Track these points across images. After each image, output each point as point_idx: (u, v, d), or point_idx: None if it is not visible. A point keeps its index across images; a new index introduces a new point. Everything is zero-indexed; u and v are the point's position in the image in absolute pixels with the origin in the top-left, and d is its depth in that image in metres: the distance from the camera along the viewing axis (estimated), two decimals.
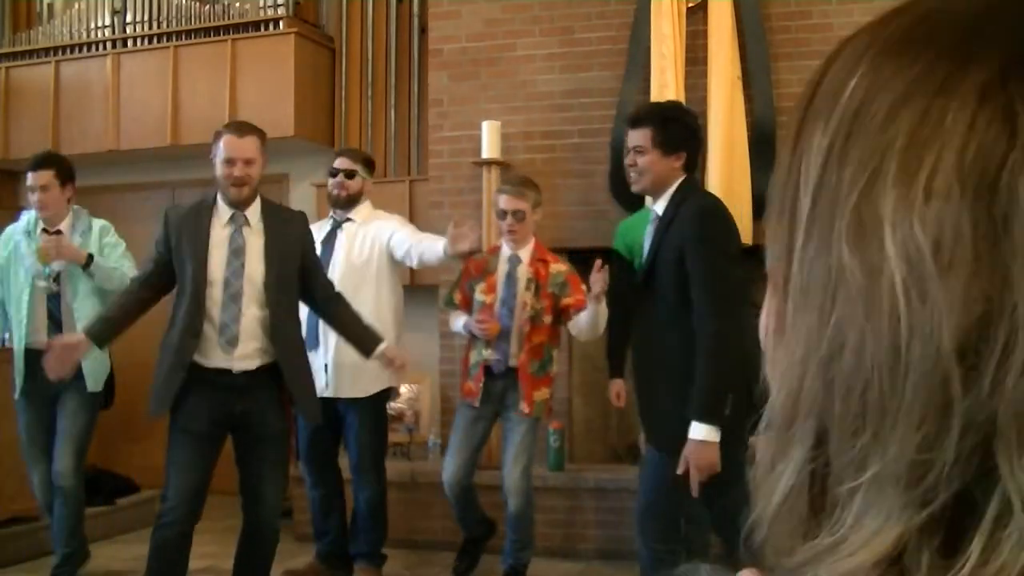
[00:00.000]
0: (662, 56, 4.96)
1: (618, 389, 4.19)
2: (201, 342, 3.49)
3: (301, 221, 3.79)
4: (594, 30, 5.27)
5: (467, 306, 4.29)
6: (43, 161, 4.36)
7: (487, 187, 5.21)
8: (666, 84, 4.92)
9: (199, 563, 4.16)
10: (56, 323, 4.24)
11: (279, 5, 6.17)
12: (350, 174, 4.33)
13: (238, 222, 3.56)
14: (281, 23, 6.17)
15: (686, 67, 4.99)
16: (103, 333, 3.59)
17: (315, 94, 6.22)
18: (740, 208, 4.78)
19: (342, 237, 4.32)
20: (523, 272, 4.18)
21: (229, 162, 3.52)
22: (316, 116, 6.25)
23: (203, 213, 3.57)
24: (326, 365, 4.22)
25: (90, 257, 4.15)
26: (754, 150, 4.89)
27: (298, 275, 3.66)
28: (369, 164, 4.51)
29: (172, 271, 3.56)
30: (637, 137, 3.15)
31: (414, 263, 4.31)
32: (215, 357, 3.50)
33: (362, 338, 3.79)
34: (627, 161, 3.20)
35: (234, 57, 6.16)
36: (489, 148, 5.23)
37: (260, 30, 6.22)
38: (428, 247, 4.15)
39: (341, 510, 4.41)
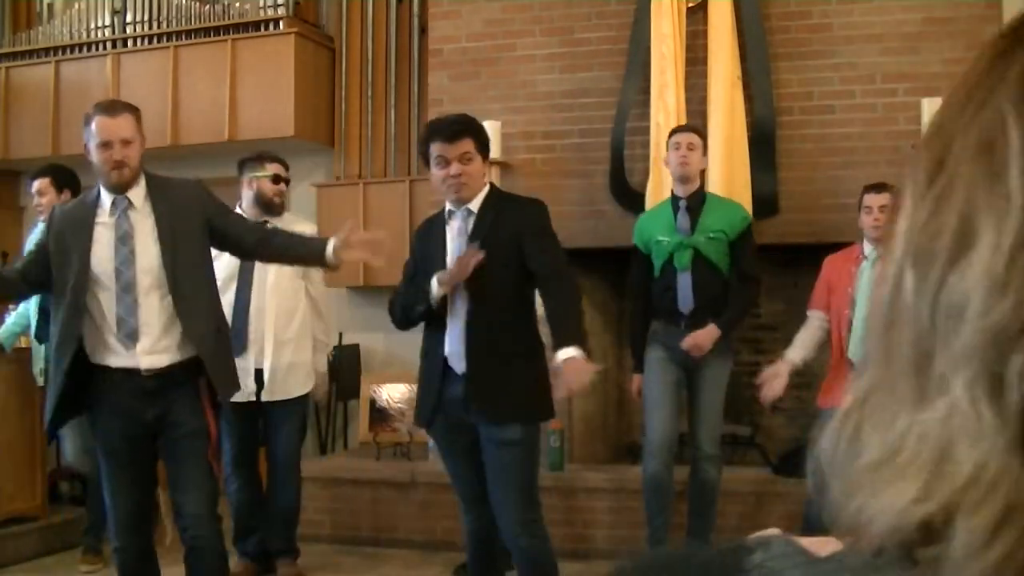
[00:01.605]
0: (662, 56, 4.96)
1: (639, 384, 4.21)
2: (97, 341, 3.21)
3: (194, 188, 3.44)
4: (594, 30, 5.26)
5: None
6: (41, 170, 4.57)
7: None
8: (666, 84, 4.92)
9: None
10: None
11: (279, 5, 6.17)
12: (288, 181, 4.46)
13: (120, 206, 3.26)
14: (281, 23, 6.17)
15: (686, 67, 4.99)
16: None
17: (315, 94, 6.22)
18: (739, 202, 4.78)
19: None
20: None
21: (105, 145, 3.22)
22: (316, 116, 6.25)
23: (87, 207, 3.30)
24: (259, 371, 4.30)
25: None
26: (754, 150, 4.89)
27: (207, 246, 3.37)
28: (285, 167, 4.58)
29: (47, 269, 3.27)
30: None
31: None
32: (117, 356, 3.21)
33: (312, 250, 3.44)
34: None
35: (234, 57, 6.16)
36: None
37: (260, 30, 6.22)
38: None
39: (263, 509, 4.52)
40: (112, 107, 3.35)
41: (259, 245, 3.50)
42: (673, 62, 4.94)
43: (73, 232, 3.26)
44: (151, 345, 3.22)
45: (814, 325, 4.12)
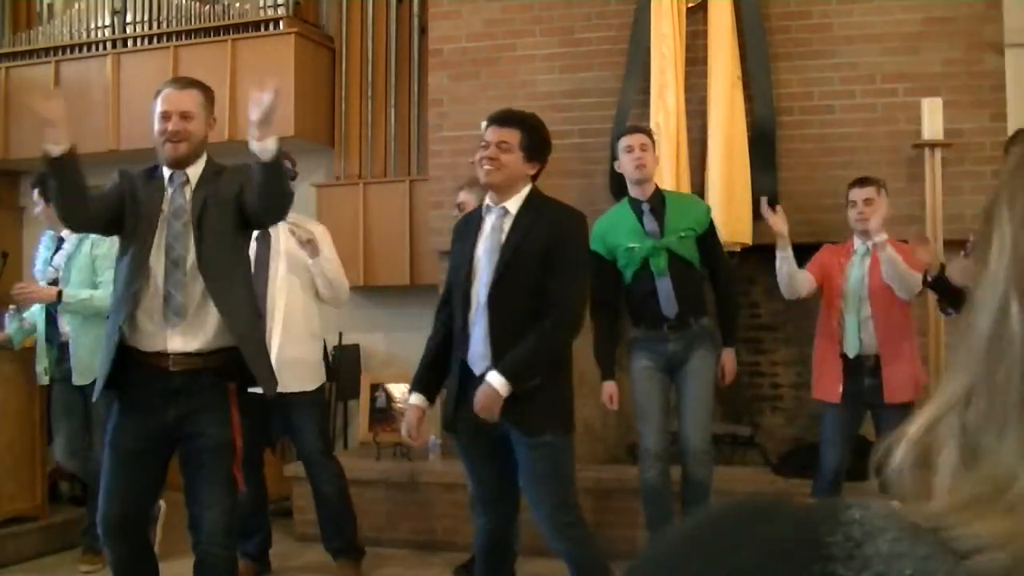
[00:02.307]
0: (662, 56, 4.96)
1: (611, 391, 4.20)
2: (145, 318, 3.11)
3: (231, 170, 3.28)
4: (594, 30, 5.27)
5: None
6: (39, 179, 4.62)
7: None
8: (666, 84, 4.92)
9: None
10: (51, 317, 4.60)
11: (279, 5, 6.17)
12: (293, 176, 4.42)
13: (177, 181, 3.20)
14: (281, 23, 6.17)
15: (686, 67, 4.99)
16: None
17: (315, 94, 6.22)
18: (739, 208, 4.79)
19: (277, 235, 4.35)
20: None
21: (164, 116, 3.17)
22: (316, 116, 6.25)
23: (151, 175, 3.25)
24: None
25: (59, 294, 4.41)
26: (754, 150, 4.89)
27: (242, 233, 3.28)
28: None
29: (118, 212, 3.18)
30: None
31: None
32: (157, 336, 3.10)
33: (254, 166, 3.15)
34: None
35: (234, 57, 6.16)
36: None
37: (260, 30, 6.22)
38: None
39: (266, 508, 4.50)
40: (180, 81, 3.31)
41: (253, 198, 3.20)
42: (673, 62, 4.95)
43: (139, 195, 3.19)
44: (188, 326, 3.12)
45: (802, 276, 4.13)
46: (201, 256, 3.14)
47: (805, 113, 4.96)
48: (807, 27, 4.97)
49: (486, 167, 3.23)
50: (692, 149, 4.93)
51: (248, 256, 3.37)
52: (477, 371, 3.21)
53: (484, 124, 3.35)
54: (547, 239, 3.19)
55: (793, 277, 4.09)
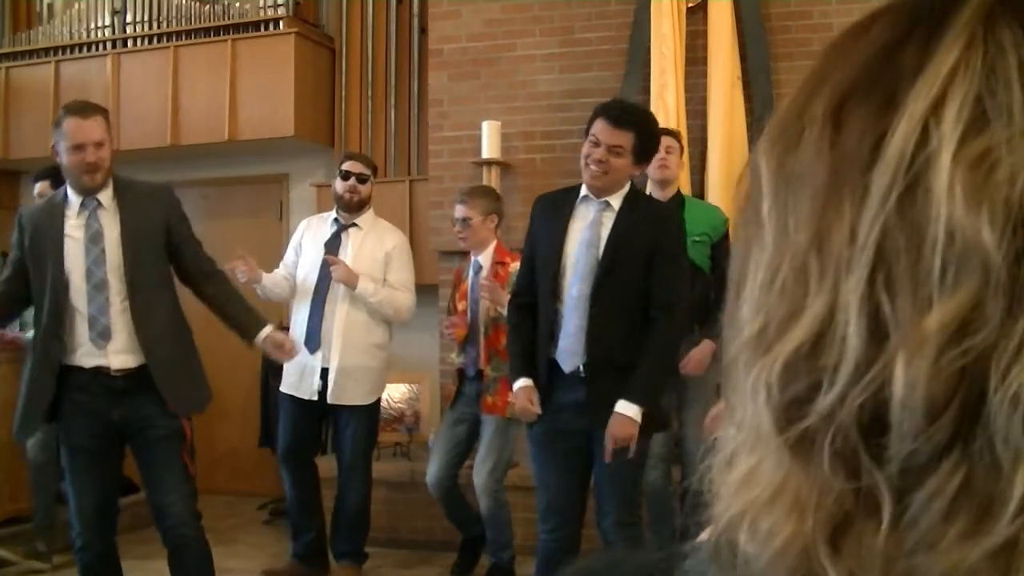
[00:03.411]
0: (662, 56, 4.96)
1: None
2: (72, 341, 3.21)
3: (164, 194, 3.43)
4: (594, 30, 5.27)
5: (455, 313, 4.44)
6: (44, 172, 4.60)
7: None
8: (666, 84, 4.92)
9: None
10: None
11: (279, 5, 6.17)
12: (363, 179, 4.39)
13: (90, 207, 3.25)
14: (281, 23, 6.17)
15: (686, 67, 4.99)
16: None
17: (315, 94, 6.22)
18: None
19: (348, 242, 4.37)
20: (483, 278, 4.29)
21: (78, 148, 3.18)
22: (316, 116, 6.25)
23: (55, 208, 3.28)
24: (324, 369, 4.28)
25: None
26: (754, 150, 4.88)
27: (166, 253, 3.36)
28: (375, 171, 4.58)
29: (27, 281, 3.28)
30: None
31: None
32: (89, 355, 3.22)
33: (244, 322, 3.48)
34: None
35: (234, 57, 6.16)
36: (489, 148, 5.23)
37: (260, 30, 6.22)
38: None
39: (320, 510, 4.48)
40: (83, 109, 3.28)
41: (197, 279, 3.46)
42: (673, 62, 4.95)
43: (45, 234, 3.24)
44: (122, 345, 3.23)
45: None
46: (128, 276, 3.23)
47: None
48: (807, 27, 4.97)
49: (593, 170, 3.09)
50: (692, 149, 4.93)
51: (171, 275, 3.42)
52: (567, 368, 3.11)
53: (596, 118, 3.13)
54: (652, 237, 3.10)
55: None
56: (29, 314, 4.74)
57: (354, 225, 4.39)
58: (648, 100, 4.97)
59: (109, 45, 6.57)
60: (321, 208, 6.17)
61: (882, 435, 0.35)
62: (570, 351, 3.09)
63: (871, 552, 0.35)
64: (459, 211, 4.32)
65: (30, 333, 4.79)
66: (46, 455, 4.63)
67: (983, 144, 0.34)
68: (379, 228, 4.48)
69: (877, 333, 0.35)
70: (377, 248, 4.37)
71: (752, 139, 4.90)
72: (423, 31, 6.04)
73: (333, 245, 4.34)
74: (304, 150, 6.28)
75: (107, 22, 6.59)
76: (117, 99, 6.39)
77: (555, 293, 3.13)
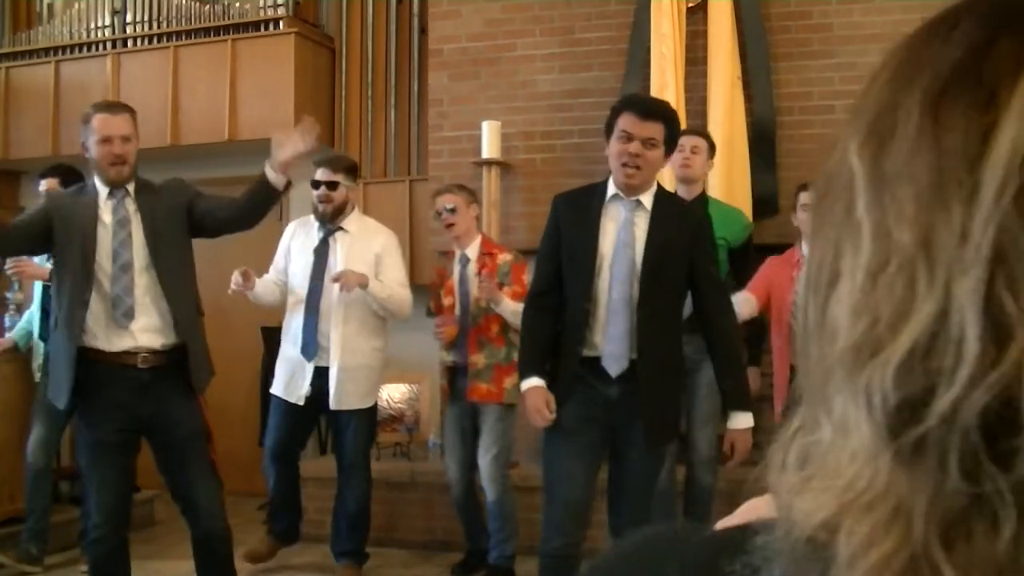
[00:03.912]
0: (662, 56, 4.96)
1: None
2: (95, 322, 3.31)
3: (176, 182, 3.59)
4: (594, 30, 5.27)
5: (441, 312, 4.46)
6: (50, 169, 4.73)
7: (487, 187, 5.21)
8: (666, 84, 4.92)
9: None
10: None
11: (279, 5, 6.17)
12: (332, 185, 4.31)
13: (118, 195, 3.42)
14: (281, 23, 6.17)
15: (686, 67, 4.99)
16: None
17: (315, 94, 6.22)
18: (740, 208, 4.78)
19: (337, 248, 4.34)
20: (472, 270, 4.33)
21: (106, 140, 3.36)
22: (316, 116, 6.14)
23: (87, 194, 3.44)
24: (316, 372, 4.28)
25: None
26: (754, 150, 4.89)
27: (189, 231, 3.48)
28: (352, 171, 4.45)
29: (42, 237, 3.37)
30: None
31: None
32: (114, 338, 3.31)
33: (256, 182, 3.48)
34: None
35: (234, 57, 6.16)
36: (489, 148, 5.23)
37: (260, 30, 6.22)
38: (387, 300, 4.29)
39: (299, 498, 4.57)
40: (112, 106, 3.49)
41: (227, 210, 3.51)
42: (673, 62, 4.95)
43: (77, 213, 3.37)
44: (145, 324, 3.35)
45: (742, 298, 3.85)
46: (155, 258, 3.37)
47: (805, 113, 4.96)
48: (807, 27, 4.97)
49: (628, 169, 3.02)
50: None
51: (192, 257, 3.54)
52: (614, 372, 3.05)
53: (621, 113, 3.04)
54: (689, 238, 3.07)
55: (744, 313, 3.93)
56: (29, 316, 4.77)
57: (340, 229, 4.36)
58: None
59: (109, 45, 6.57)
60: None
61: (1012, 437, 0.34)
62: (617, 354, 3.04)
63: (987, 559, 0.34)
64: (444, 200, 4.38)
65: (15, 332, 4.81)
66: (45, 458, 4.62)
67: None
68: (366, 229, 4.43)
69: (999, 333, 0.34)
70: (366, 251, 4.33)
71: (752, 139, 4.91)
72: (423, 31, 6.04)
73: (322, 252, 4.32)
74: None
75: (107, 22, 6.59)
76: (117, 99, 6.39)
77: (588, 294, 3.07)
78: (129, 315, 3.33)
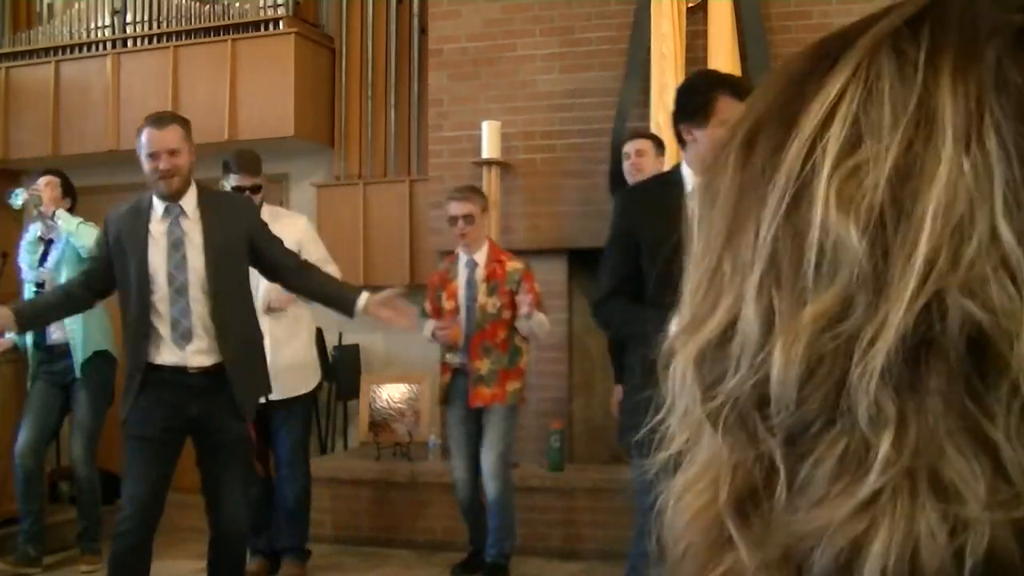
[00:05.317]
0: (662, 56, 4.96)
1: (620, 396, 4.20)
2: (154, 341, 3.39)
3: (242, 202, 3.71)
4: (594, 30, 5.27)
5: (438, 315, 4.43)
6: (44, 172, 4.83)
7: (487, 187, 5.20)
8: (666, 84, 4.92)
9: (201, 563, 4.17)
10: None
11: (279, 5, 6.17)
12: (256, 189, 4.31)
13: (173, 213, 3.43)
14: (281, 23, 6.17)
15: (686, 67, 4.99)
16: (25, 315, 3.59)
17: (315, 94, 6.22)
18: None
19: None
20: (480, 275, 4.32)
21: (153, 156, 3.38)
22: (316, 116, 6.25)
23: (141, 212, 3.46)
24: None
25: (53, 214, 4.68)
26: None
27: (247, 260, 3.53)
28: (258, 166, 4.37)
29: (112, 274, 3.47)
30: None
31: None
32: (169, 355, 3.40)
33: (344, 296, 3.58)
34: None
35: (234, 57, 6.16)
36: (489, 148, 5.23)
37: (260, 30, 6.22)
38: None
39: (271, 505, 4.53)
40: (160, 119, 3.47)
41: (294, 273, 3.63)
42: (673, 62, 4.95)
43: (129, 236, 3.43)
44: (200, 346, 3.41)
45: None
46: (212, 283, 3.41)
47: None
48: (807, 27, 4.97)
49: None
50: None
51: (248, 281, 3.59)
52: None
53: (716, 90, 2.76)
54: None
55: None
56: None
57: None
58: (648, 100, 4.98)
59: (109, 45, 6.57)
60: (321, 208, 6.18)
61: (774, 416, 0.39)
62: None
63: (772, 517, 0.39)
64: (460, 208, 4.28)
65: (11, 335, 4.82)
66: (36, 461, 4.64)
67: (856, 158, 0.39)
68: (280, 220, 4.27)
69: (769, 324, 0.39)
70: (288, 242, 4.29)
71: None
72: (423, 31, 6.04)
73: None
74: (304, 150, 6.27)
75: (107, 22, 6.58)
76: (117, 99, 6.40)
77: (666, 294, 2.93)
78: (187, 337, 3.39)
